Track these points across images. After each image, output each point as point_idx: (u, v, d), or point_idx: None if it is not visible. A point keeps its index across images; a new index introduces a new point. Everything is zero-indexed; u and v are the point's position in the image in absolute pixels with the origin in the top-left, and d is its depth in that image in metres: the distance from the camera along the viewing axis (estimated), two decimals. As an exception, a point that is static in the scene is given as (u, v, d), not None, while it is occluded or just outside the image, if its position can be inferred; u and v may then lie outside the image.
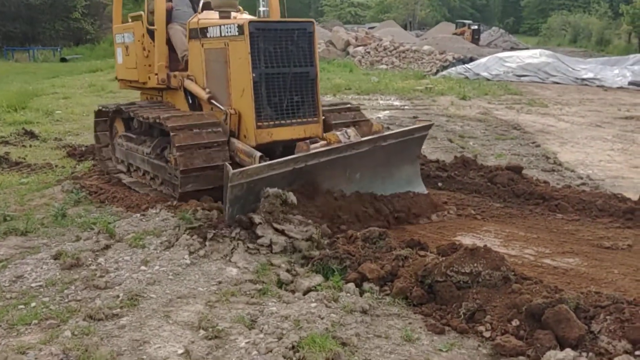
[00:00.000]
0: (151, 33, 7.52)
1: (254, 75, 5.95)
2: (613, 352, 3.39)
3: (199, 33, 6.69)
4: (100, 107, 8.32)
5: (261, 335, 3.72)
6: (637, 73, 21.98)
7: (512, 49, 37.70)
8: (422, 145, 7.11)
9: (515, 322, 3.77)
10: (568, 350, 3.41)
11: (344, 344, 3.67)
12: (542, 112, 14.95)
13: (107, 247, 5.22)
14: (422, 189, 6.79)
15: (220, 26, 6.42)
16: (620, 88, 20.74)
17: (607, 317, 3.61)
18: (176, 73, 7.27)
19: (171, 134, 6.14)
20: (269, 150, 6.11)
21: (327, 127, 6.66)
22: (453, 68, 25.02)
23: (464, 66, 24.64)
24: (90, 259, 4.93)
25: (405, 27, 58.71)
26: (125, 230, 5.60)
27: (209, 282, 4.56)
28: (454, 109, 14.82)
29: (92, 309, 4.03)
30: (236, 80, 6.24)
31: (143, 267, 4.80)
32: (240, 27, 6.02)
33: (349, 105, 7.41)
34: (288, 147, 6.18)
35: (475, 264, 4.16)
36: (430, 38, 40.51)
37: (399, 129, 6.79)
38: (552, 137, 11.71)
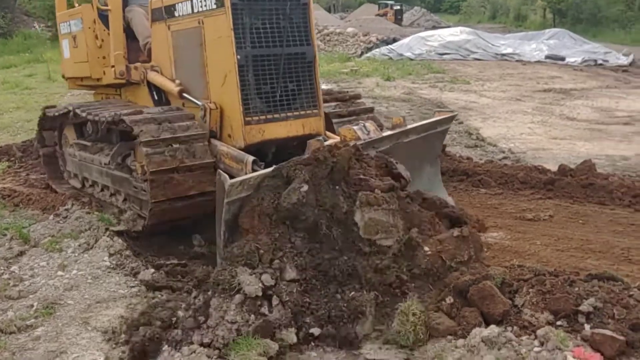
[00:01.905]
0: (104, 18, 6.39)
1: (238, 57, 4.80)
2: (536, 325, 3.43)
3: (164, 13, 5.57)
4: (45, 112, 6.90)
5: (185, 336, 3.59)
6: (553, 47, 22.67)
7: (434, 27, 38.25)
8: (444, 141, 6.28)
9: (449, 300, 3.77)
10: (493, 326, 3.43)
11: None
12: (465, 89, 15.22)
13: (21, 253, 4.99)
14: (443, 192, 5.74)
15: (191, 0, 5.25)
16: (538, 62, 21.34)
17: (530, 290, 3.66)
18: (137, 64, 6.09)
19: (134, 129, 4.94)
20: (258, 152, 4.98)
21: (327, 122, 5.63)
22: (377, 49, 25.13)
23: (387, 47, 24.77)
24: (2, 268, 4.68)
25: (329, 10, 58.68)
26: (41, 234, 5.35)
27: (130, 284, 4.39)
28: (379, 90, 14.89)
29: (2, 322, 3.80)
30: (215, 66, 5.08)
31: (60, 273, 4.59)
32: None
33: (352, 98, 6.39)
34: (281, 148, 5.20)
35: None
36: (354, 20, 40.60)
37: (421, 122, 5.56)
38: (475, 113, 11.93)
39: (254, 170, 4.48)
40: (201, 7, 5.11)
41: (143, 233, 5.17)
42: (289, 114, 5.12)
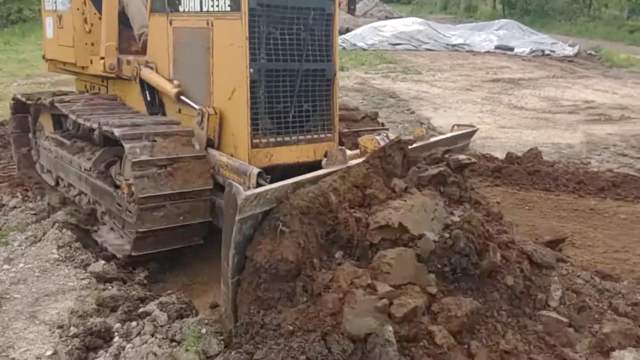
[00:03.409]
0: (97, 0, 5.68)
1: (251, 71, 4.19)
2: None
3: (167, 4, 4.89)
4: (19, 98, 6.30)
5: (137, 329, 3.57)
6: (502, 37, 23.08)
7: (386, 18, 38.44)
8: None
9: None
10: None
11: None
12: (416, 79, 15.39)
13: (-36, 249, 4.83)
14: None
15: None
16: (488, 52, 21.71)
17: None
18: (130, 58, 5.38)
19: (125, 145, 4.32)
20: None
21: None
22: (330, 39, 25.18)
23: (340, 37, 24.81)
24: (-55, 263, 4.54)
25: (282, 0, 58.39)
26: (-15, 228, 5.21)
27: (80, 277, 4.32)
28: (332, 80, 14.94)
29: (-56, 320, 3.71)
30: (222, 76, 4.46)
31: (6, 266, 4.48)
32: (236, 0, 4.26)
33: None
34: (285, 175, 4.22)
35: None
36: (307, 10, 40.50)
37: (443, 136, 4.97)
38: (426, 103, 12.09)
39: (258, 185, 3.90)
40: (212, 6, 4.47)
41: (126, 261, 4.55)
42: (300, 137, 4.56)
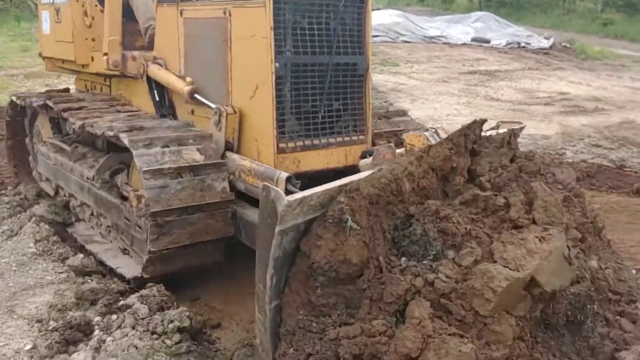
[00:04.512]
0: None
1: (277, 65, 3.74)
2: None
3: None
4: (14, 99, 5.74)
5: (117, 322, 3.56)
6: (479, 30, 23.22)
7: (364, 10, 38.44)
8: None
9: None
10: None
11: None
12: (394, 71, 15.44)
13: (-62, 243, 4.77)
14: None
15: None
16: (465, 44, 21.82)
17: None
18: (136, 54, 4.91)
19: (133, 152, 3.86)
20: None
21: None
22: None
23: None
24: None
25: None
26: (-40, 222, 5.14)
27: (58, 270, 4.29)
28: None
29: None
30: (243, 72, 3.98)
31: (-18, 261, 4.43)
32: None
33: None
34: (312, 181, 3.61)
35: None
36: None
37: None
38: (404, 94, 12.15)
39: (287, 192, 3.29)
40: None
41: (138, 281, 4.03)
42: (330, 139, 4.08)
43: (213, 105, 4.09)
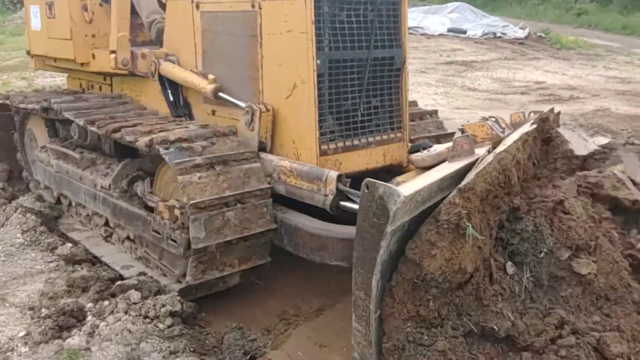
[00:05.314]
0: None
1: (318, 62, 3.54)
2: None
3: None
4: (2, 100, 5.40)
5: (110, 308, 3.63)
6: (455, 20, 23.38)
7: (340, 1, 38.45)
8: None
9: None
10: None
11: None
12: (372, 62, 15.52)
13: None
14: None
15: None
16: (441, 35, 21.98)
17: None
18: (145, 51, 4.56)
19: (164, 155, 3.58)
20: None
21: None
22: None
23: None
24: None
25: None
26: (-55, 215, 5.15)
27: (48, 260, 4.34)
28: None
29: None
30: (277, 70, 3.76)
31: (-30, 252, 4.46)
32: None
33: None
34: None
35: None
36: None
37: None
38: (383, 85, 12.25)
39: (338, 192, 3.30)
40: None
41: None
42: (370, 139, 3.91)
43: (243, 104, 3.86)
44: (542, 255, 2.60)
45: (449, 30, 22.33)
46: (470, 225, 2.43)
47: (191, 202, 3.35)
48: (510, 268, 2.62)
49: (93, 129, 4.19)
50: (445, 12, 25.02)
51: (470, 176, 2.57)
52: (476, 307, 2.55)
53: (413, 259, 2.46)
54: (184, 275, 3.60)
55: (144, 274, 3.97)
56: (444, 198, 2.56)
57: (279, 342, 3.47)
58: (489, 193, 2.60)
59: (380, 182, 2.40)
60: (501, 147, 2.83)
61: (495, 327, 2.50)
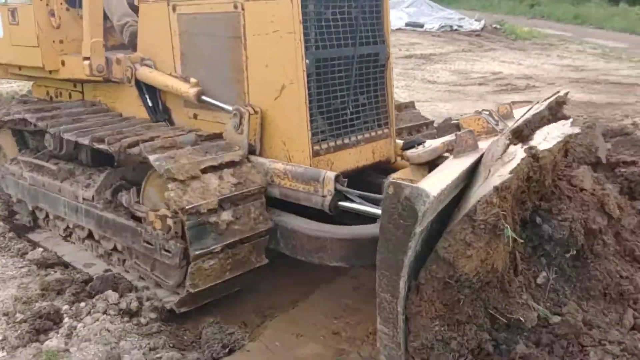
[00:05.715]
0: None
1: (307, 62, 3.49)
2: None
3: None
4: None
5: (87, 309, 3.65)
6: (412, 14, 23.63)
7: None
8: None
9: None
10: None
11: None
12: (333, 58, 15.62)
13: None
14: None
15: None
16: (399, 29, 22.19)
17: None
18: (120, 56, 4.38)
19: (150, 158, 3.46)
20: None
21: None
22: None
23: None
24: None
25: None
26: None
27: (19, 265, 4.32)
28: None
29: None
30: (263, 72, 3.69)
31: (-63, 261, 4.41)
32: None
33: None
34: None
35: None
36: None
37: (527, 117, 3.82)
38: (344, 80, 12.36)
39: (337, 192, 3.28)
40: None
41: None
42: (359, 137, 3.88)
43: (230, 107, 3.78)
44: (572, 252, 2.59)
45: (407, 24, 22.55)
46: (508, 227, 2.39)
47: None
48: (542, 279, 2.62)
49: (102, 146, 3.91)
50: (402, 6, 25.23)
51: (504, 173, 2.50)
52: (502, 300, 2.54)
53: (447, 259, 2.41)
54: (179, 286, 3.53)
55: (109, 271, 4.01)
56: (458, 194, 2.58)
57: (257, 334, 3.54)
58: (518, 188, 2.60)
59: (405, 182, 2.37)
60: (536, 143, 2.79)
61: (521, 319, 2.50)
